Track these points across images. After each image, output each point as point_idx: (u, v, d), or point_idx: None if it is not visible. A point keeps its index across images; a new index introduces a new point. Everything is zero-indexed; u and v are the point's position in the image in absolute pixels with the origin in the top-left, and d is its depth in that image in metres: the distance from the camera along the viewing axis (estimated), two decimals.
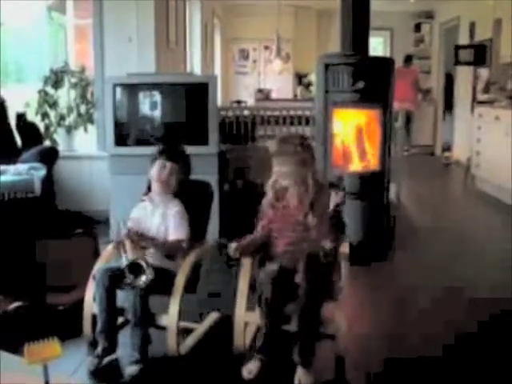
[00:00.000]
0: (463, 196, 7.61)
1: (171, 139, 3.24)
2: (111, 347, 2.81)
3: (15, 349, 1.90)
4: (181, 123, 4.84)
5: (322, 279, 2.69)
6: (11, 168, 4.54)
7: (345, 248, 2.94)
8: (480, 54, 8.67)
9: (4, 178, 4.35)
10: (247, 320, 2.76)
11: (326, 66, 4.88)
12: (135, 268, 2.70)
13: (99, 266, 2.96)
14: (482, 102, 8.13)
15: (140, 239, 2.87)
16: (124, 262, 2.72)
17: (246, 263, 2.90)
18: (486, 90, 8.47)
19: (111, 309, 2.83)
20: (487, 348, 3.05)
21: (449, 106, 10.57)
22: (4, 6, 5.46)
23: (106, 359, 2.79)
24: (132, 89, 4.84)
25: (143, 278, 2.69)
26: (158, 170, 3.03)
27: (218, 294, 3.47)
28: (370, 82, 4.80)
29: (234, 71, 11.69)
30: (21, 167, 4.57)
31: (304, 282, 2.59)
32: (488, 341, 3.14)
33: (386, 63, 5.08)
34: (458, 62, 9.28)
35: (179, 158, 3.09)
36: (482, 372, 2.81)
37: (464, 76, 9.61)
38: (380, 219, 4.78)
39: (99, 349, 2.79)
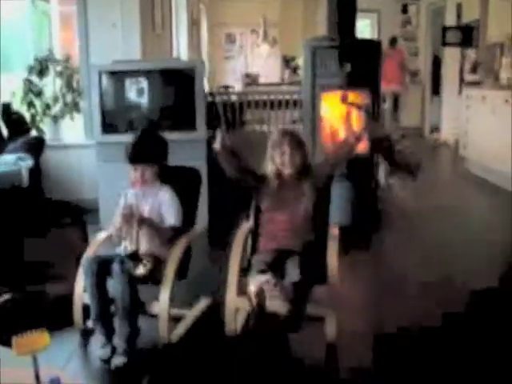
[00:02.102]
0: (451, 177, 7.63)
1: (144, 128, 3.17)
2: (110, 334, 2.81)
3: (5, 341, 1.89)
4: (168, 109, 4.81)
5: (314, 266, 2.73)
6: None
7: (335, 230, 2.99)
8: (467, 35, 8.66)
9: None
10: (238, 305, 2.76)
11: (313, 50, 4.87)
12: (135, 257, 2.75)
13: (87, 255, 2.95)
14: (469, 83, 8.15)
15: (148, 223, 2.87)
16: (123, 249, 2.75)
17: (235, 252, 2.90)
18: (474, 70, 8.48)
19: (103, 296, 2.82)
20: (476, 333, 3.05)
21: (436, 87, 10.57)
22: None
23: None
24: (118, 76, 4.79)
25: (141, 270, 2.75)
26: (132, 173, 3.00)
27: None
28: (358, 64, 4.80)
29: (221, 56, 11.62)
30: (8, 158, 4.53)
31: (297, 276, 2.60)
32: (476, 327, 3.12)
33: (372, 45, 5.08)
34: (445, 44, 9.26)
35: (148, 156, 3.01)
36: (471, 361, 2.79)
37: (451, 57, 9.61)
38: (368, 202, 4.79)
39: (103, 338, 2.80)
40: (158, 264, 2.87)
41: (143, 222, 2.86)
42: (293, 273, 2.59)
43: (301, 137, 3.01)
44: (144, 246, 2.88)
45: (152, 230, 2.89)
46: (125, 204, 2.98)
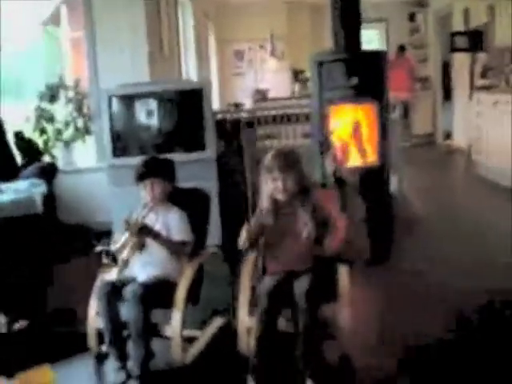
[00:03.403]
0: (465, 184, 7.58)
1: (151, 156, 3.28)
2: (124, 358, 2.83)
3: (21, 368, 1.92)
4: (177, 130, 4.86)
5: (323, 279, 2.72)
6: (11, 186, 4.56)
7: None
8: (475, 40, 8.64)
9: (5, 197, 4.37)
10: (250, 325, 2.77)
11: (319, 64, 4.88)
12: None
13: (100, 279, 2.98)
14: (480, 88, 8.11)
15: (149, 230, 2.91)
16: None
17: (246, 272, 2.92)
18: (484, 75, 8.44)
19: (116, 320, 2.85)
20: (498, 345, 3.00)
21: (447, 93, 10.54)
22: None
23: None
24: (127, 99, 4.86)
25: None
26: (143, 192, 3.03)
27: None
28: (364, 76, 4.80)
29: (230, 73, 11.67)
30: (21, 185, 4.58)
31: (304, 305, 2.60)
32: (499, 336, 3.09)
33: (378, 56, 5.07)
34: (453, 49, 9.24)
35: (157, 171, 3.06)
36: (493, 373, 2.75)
37: (461, 63, 9.58)
38: (381, 214, 4.77)
39: (117, 362, 2.82)
40: (170, 287, 2.90)
41: (145, 230, 2.89)
42: (302, 283, 2.61)
43: (295, 157, 2.82)
44: (149, 269, 2.92)
45: (158, 242, 2.93)
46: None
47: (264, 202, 2.82)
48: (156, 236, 2.94)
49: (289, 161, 2.77)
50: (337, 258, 2.88)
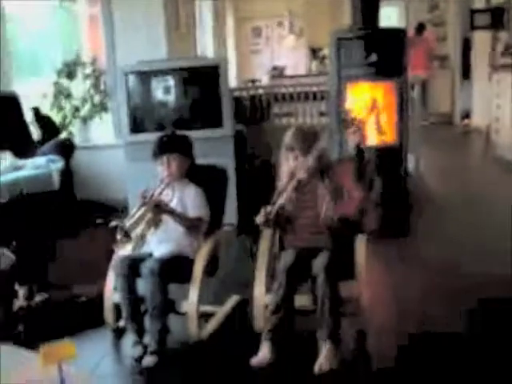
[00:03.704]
0: (484, 164, 7.49)
1: (169, 131, 3.26)
2: (141, 333, 2.86)
3: (42, 340, 1.93)
4: (194, 107, 4.84)
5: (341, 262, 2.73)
6: (29, 162, 4.58)
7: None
8: (497, 17, 8.47)
9: (23, 173, 4.41)
10: (267, 302, 2.77)
11: (338, 41, 4.84)
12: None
13: (117, 254, 3.00)
14: (500, 67, 7.98)
15: (164, 206, 2.90)
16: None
17: (263, 250, 2.92)
18: (505, 53, 8.29)
19: (133, 296, 2.88)
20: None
21: (466, 72, 10.38)
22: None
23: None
24: (144, 76, 4.85)
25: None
26: (160, 168, 3.03)
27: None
28: (383, 54, 4.75)
29: (247, 50, 11.62)
30: (39, 161, 4.61)
31: (324, 283, 2.60)
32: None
33: (397, 34, 5.01)
34: (473, 27, 9.08)
35: (174, 146, 3.06)
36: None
37: (481, 41, 9.42)
38: (398, 192, 4.75)
39: (134, 337, 2.85)
40: (186, 262, 2.92)
41: (161, 206, 2.89)
42: (321, 259, 2.61)
43: (315, 134, 2.83)
44: (166, 245, 2.94)
45: (173, 218, 2.92)
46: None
47: (284, 180, 2.81)
48: (171, 212, 2.94)
49: (309, 139, 2.77)
50: (353, 229, 2.88)
